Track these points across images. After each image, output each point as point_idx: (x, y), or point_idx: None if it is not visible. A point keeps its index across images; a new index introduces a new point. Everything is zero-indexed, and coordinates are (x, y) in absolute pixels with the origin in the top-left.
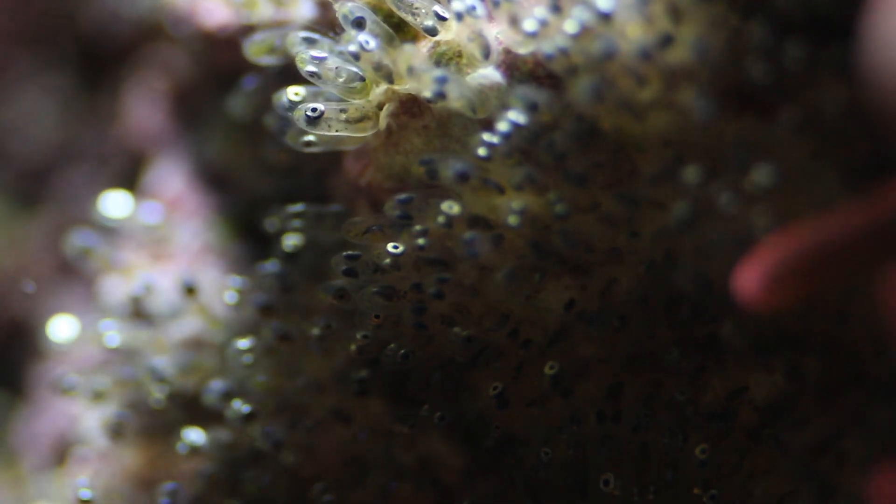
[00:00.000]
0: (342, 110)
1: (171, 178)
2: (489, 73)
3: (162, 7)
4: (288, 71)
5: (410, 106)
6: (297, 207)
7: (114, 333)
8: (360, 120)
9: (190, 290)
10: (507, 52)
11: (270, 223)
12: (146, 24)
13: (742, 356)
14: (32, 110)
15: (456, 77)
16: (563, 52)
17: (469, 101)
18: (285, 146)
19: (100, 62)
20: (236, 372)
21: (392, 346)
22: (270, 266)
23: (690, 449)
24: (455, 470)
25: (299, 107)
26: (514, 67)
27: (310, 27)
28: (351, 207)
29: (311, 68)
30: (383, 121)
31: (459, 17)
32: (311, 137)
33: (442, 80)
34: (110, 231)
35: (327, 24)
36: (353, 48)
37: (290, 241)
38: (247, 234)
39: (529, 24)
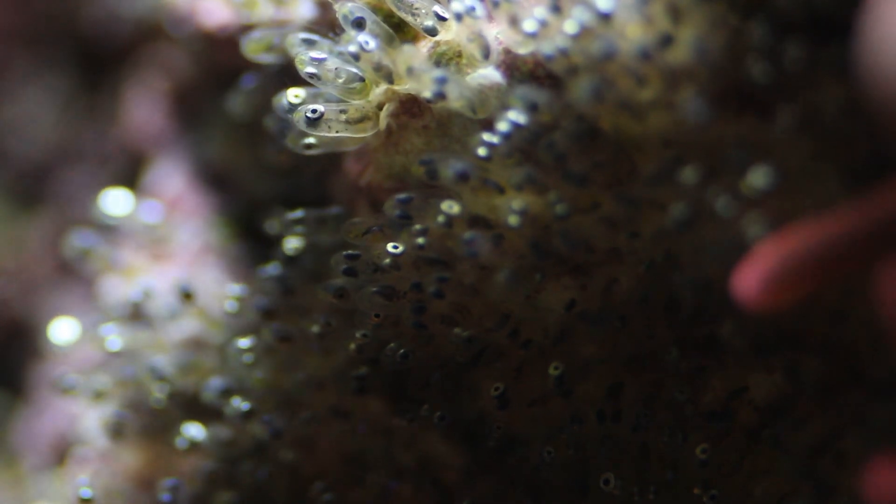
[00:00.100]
0: (342, 111)
1: (171, 177)
2: (489, 74)
3: (162, 7)
4: (287, 70)
5: (410, 106)
6: (298, 214)
7: (115, 337)
8: (361, 120)
9: (187, 296)
10: (507, 52)
11: (270, 225)
12: (146, 24)
13: (742, 356)
14: (32, 110)
15: (456, 77)
16: (563, 53)
17: (469, 101)
18: (285, 147)
19: (100, 62)
20: (236, 370)
21: (392, 345)
22: (271, 269)
23: (690, 449)
24: (455, 470)
25: (299, 108)
26: (514, 67)
27: (309, 28)
28: (351, 208)
29: (310, 69)
30: (383, 121)
31: (459, 17)
32: (311, 140)
33: (442, 81)
34: (110, 230)
35: (327, 24)
36: (352, 49)
37: (291, 244)
38: (247, 233)
39: (529, 25)
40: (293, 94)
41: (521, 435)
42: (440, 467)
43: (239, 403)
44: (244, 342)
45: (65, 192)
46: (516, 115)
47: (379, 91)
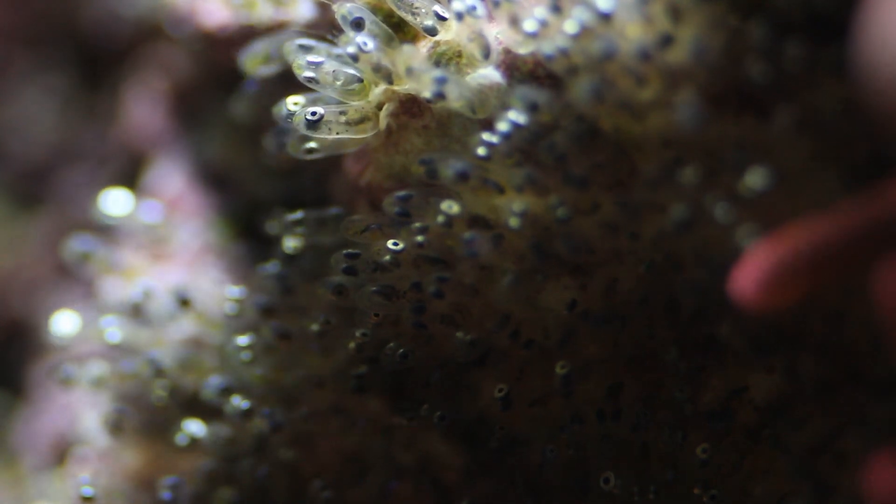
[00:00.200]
0: (342, 112)
1: (171, 177)
2: (489, 73)
3: (162, 7)
4: (289, 75)
5: (410, 106)
6: (297, 215)
7: (114, 330)
8: (360, 121)
9: (185, 303)
10: (507, 52)
11: (270, 226)
12: (146, 24)
13: (741, 356)
14: (32, 110)
15: (455, 77)
16: (563, 53)
17: (469, 101)
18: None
19: (100, 62)
20: (236, 369)
21: (391, 345)
22: (271, 267)
23: (690, 448)
24: (455, 470)
25: (298, 112)
26: (514, 67)
27: (306, 32)
28: (351, 208)
29: (308, 74)
30: (383, 121)
31: (459, 17)
32: (312, 144)
33: (441, 81)
34: (110, 230)
35: (326, 25)
36: (351, 50)
37: (291, 243)
38: (247, 233)
39: (529, 25)
40: (292, 102)
41: (522, 435)
42: (440, 467)
43: (239, 402)
44: (243, 339)
45: (65, 192)
46: (516, 115)
47: (378, 91)
